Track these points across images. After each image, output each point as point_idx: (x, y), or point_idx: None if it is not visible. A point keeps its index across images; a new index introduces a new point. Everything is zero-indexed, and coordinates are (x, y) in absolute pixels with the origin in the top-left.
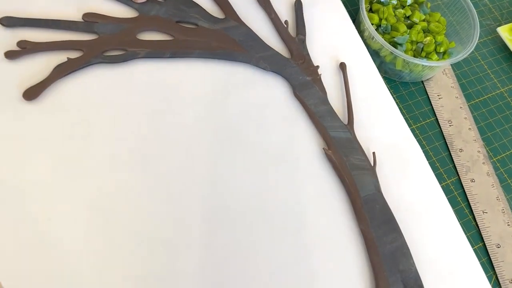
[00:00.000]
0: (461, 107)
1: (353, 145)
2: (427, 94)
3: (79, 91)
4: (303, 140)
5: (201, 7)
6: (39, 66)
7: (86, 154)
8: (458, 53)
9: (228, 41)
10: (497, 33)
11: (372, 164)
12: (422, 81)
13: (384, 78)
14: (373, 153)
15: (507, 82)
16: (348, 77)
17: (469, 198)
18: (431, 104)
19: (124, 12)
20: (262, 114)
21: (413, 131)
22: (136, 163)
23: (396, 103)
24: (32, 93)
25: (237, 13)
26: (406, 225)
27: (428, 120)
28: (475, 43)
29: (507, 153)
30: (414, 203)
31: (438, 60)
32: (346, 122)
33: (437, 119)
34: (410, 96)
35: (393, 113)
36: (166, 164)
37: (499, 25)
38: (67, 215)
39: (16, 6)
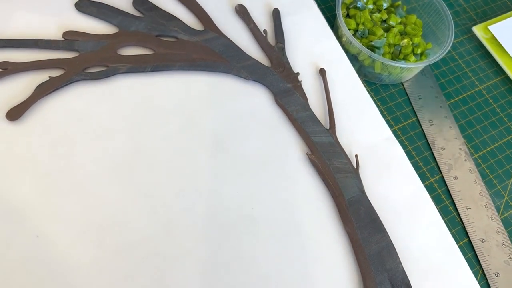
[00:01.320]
0: (441, 106)
1: (336, 149)
2: (407, 95)
3: (62, 109)
4: (287, 146)
5: (180, 20)
6: (21, 85)
7: (71, 171)
8: (435, 54)
9: (208, 52)
10: (473, 32)
11: (355, 166)
12: (401, 83)
13: (364, 81)
14: (356, 155)
15: (485, 79)
16: (328, 82)
17: (452, 195)
18: (412, 105)
19: (104, 28)
20: (246, 122)
21: (395, 132)
22: (121, 177)
23: (377, 105)
24: (15, 113)
25: (216, 24)
26: (391, 225)
27: (409, 121)
28: (451, 43)
29: (488, 149)
30: (398, 202)
31: (415, 61)
32: (328, 126)
33: (418, 119)
34: (391, 98)
35: (374, 116)
36: (152, 177)
37: (475, 24)
38: (54, 232)
39: None
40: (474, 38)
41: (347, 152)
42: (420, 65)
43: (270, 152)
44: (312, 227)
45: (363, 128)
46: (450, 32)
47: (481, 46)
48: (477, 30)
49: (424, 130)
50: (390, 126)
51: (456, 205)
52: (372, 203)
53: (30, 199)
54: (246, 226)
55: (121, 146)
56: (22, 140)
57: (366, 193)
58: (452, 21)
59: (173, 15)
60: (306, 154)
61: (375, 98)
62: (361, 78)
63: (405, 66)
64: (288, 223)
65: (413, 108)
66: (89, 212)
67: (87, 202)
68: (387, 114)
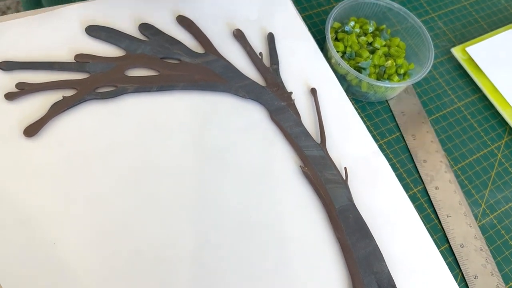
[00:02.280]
0: (423, 122)
1: (326, 162)
2: (392, 112)
3: (74, 125)
4: (281, 159)
5: (182, 44)
6: (36, 105)
7: (84, 183)
8: (417, 74)
9: (209, 74)
10: (452, 53)
11: (344, 178)
12: (386, 100)
13: (352, 99)
14: (345, 168)
15: (463, 97)
16: (319, 101)
17: (434, 204)
18: (396, 121)
19: (112, 51)
20: (243, 137)
21: (380, 146)
22: (129, 189)
23: (364, 121)
24: (31, 130)
25: (216, 47)
26: (378, 231)
27: (393, 136)
28: (431, 64)
29: (466, 161)
30: (383, 211)
31: (399, 81)
32: (319, 141)
33: (401, 134)
34: (377, 114)
35: (361, 131)
36: (157, 189)
37: (453, 46)
38: (69, 240)
39: (13, 51)
40: (453, 58)
41: (336, 165)
42: (403, 85)
43: (267, 164)
44: (305, 233)
45: (352, 143)
46: (430, 54)
47: (459, 66)
48: (456, 51)
49: (408, 144)
50: (376, 141)
51: (438, 213)
52: (360, 212)
53: (47, 208)
54: (245, 232)
55: (128, 160)
56: (38, 155)
57: (355, 202)
58: (432, 44)
59: (176, 39)
60: (300, 166)
61: (362, 115)
62: (349, 96)
63: (389, 85)
64: (283, 230)
65: (397, 124)
66: (100, 221)
67: (99, 212)
68: (373, 129)
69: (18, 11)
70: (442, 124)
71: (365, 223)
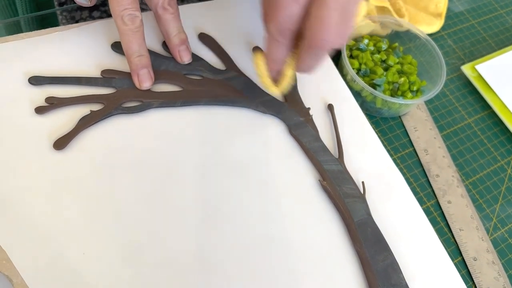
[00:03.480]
0: (435, 138)
1: (344, 176)
2: (405, 127)
3: (101, 139)
4: (301, 173)
5: (205, 60)
6: (65, 118)
7: (111, 195)
8: (429, 90)
9: (230, 89)
10: (461, 71)
11: (362, 192)
12: (399, 116)
13: (366, 114)
14: (362, 182)
15: (473, 113)
16: (336, 116)
17: (447, 218)
18: (409, 136)
19: None
20: (263, 152)
21: (394, 160)
22: (155, 201)
23: (378, 136)
24: (61, 143)
25: (237, 64)
26: (394, 244)
27: (407, 151)
28: (443, 82)
29: (477, 176)
30: (400, 224)
31: (412, 98)
32: (337, 156)
33: (414, 149)
34: (390, 129)
35: (376, 146)
36: (181, 200)
37: (463, 63)
38: (98, 250)
39: (42, 67)
40: (463, 76)
41: (354, 179)
42: (416, 102)
43: (286, 178)
44: (324, 246)
45: (368, 158)
46: (442, 72)
47: (469, 83)
48: (465, 69)
49: (420, 159)
50: (390, 155)
51: (450, 227)
52: (377, 225)
53: (76, 220)
54: (265, 244)
55: (153, 173)
56: (67, 168)
57: (372, 215)
58: (444, 62)
59: (198, 56)
60: (319, 180)
61: (376, 130)
62: (363, 112)
63: (403, 102)
64: (303, 243)
65: (410, 139)
66: (127, 232)
67: (126, 223)
68: (387, 144)
69: None
70: (453, 139)
71: (383, 236)
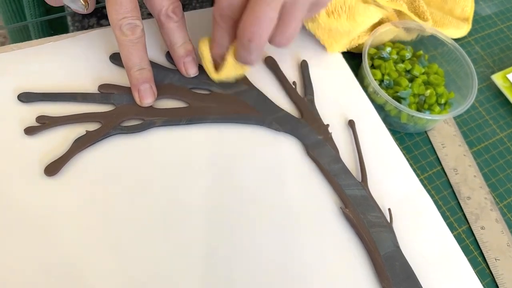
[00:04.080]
0: (464, 155)
1: (369, 202)
2: (431, 144)
3: (98, 162)
4: (320, 199)
5: None
6: (58, 139)
7: (108, 225)
8: (457, 103)
9: (240, 105)
10: (491, 80)
11: (389, 220)
12: (425, 131)
13: (390, 129)
14: (389, 209)
15: (505, 127)
16: (357, 134)
17: (481, 246)
18: (436, 153)
19: None
20: (277, 174)
21: (421, 181)
22: (157, 232)
23: (403, 154)
24: (53, 169)
25: (247, 76)
26: (425, 279)
27: (434, 170)
28: (474, 95)
29: None
30: (430, 255)
31: (440, 111)
32: (359, 179)
33: (443, 168)
34: (416, 146)
35: (403, 167)
36: (186, 232)
37: (492, 72)
38: (94, 276)
39: (33, 81)
40: (493, 85)
41: (379, 205)
42: (445, 117)
43: (303, 204)
44: (347, 281)
45: (394, 180)
46: (473, 83)
47: (500, 93)
48: (496, 78)
49: (450, 179)
50: (417, 175)
51: (485, 256)
52: (406, 257)
53: (70, 252)
54: (281, 280)
55: (156, 200)
56: (60, 195)
57: (400, 246)
58: (474, 72)
59: None
60: (340, 208)
61: (400, 147)
62: (386, 126)
63: (431, 118)
64: (323, 279)
65: (437, 157)
66: (128, 268)
67: (125, 259)
68: (413, 163)
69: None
70: (484, 156)
71: (413, 271)
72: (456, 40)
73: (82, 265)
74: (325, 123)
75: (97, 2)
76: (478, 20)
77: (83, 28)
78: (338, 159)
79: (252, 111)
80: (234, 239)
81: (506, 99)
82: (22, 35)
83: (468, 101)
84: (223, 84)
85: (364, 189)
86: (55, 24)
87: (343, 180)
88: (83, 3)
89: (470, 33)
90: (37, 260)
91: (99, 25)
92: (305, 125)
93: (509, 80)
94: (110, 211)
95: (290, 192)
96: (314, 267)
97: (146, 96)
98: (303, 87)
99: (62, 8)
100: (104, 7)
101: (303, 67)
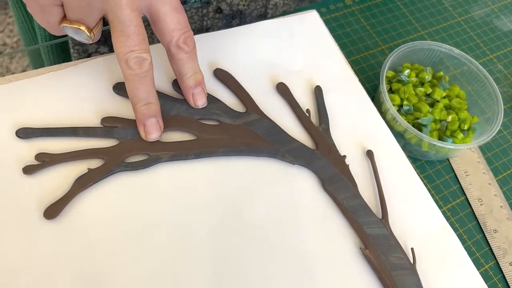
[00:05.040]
0: (489, 183)
1: (391, 242)
2: (454, 172)
3: (100, 202)
4: (337, 238)
5: (221, 101)
6: (59, 178)
7: (112, 272)
8: (481, 127)
9: (251, 136)
10: None
11: (412, 261)
12: (447, 158)
13: (409, 157)
14: (412, 249)
15: None
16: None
17: (509, 284)
18: (459, 182)
19: None
20: (291, 212)
21: (444, 213)
22: (164, 279)
23: (424, 183)
24: (53, 212)
25: (258, 104)
26: None
27: (458, 200)
28: (501, 122)
29: None
30: None
31: (463, 138)
32: (379, 215)
33: (467, 198)
34: (437, 175)
35: (425, 201)
36: (194, 276)
37: None
38: None
39: (32, 115)
40: None
41: (401, 243)
42: (470, 146)
43: (320, 245)
44: None
45: (416, 215)
46: (499, 108)
47: None
48: None
49: (474, 211)
50: (439, 207)
51: None
52: None
53: None
54: None
55: (162, 242)
56: (60, 240)
57: None
58: (500, 98)
59: (214, 97)
60: (360, 248)
61: (421, 176)
62: (406, 154)
63: (454, 147)
64: None
65: (460, 186)
66: None
67: None
68: (435, 193)
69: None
70: (511, 184)
71: None
72: (477, 57)
73: None
74: (342, 153)
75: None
76: (499, 36)
77: (85, 53)
78: (357, 194)
79: (263, 142)
80: (245, 283)
81: None
82: (37, 57)
83: (493, 128)
84: (233, 114)
85: (385, 227)
86: (65, 46)
87: (362, 217)
88: (88, 34)
89: (491, 50)
90: None
91: (98, 53)
92: (320, 156)
93: None
94: (114, 256)
95: (306, 231)
96: None
97: (152, 131)
98: (317, 114)
99: None
100: (109, 31)
101: (317, 93)
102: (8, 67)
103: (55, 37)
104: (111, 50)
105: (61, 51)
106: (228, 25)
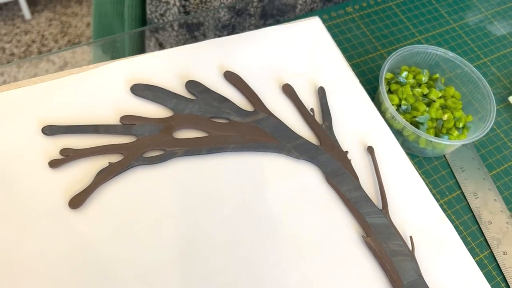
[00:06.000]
0: (484, 178)
1: (390, 231)
2: (450, 168)
3: (120, 194)
4: (340, 227)
5: (231, 101)
6: (81, 172)
7: (132, 259)
8: (476, 125)
9: (259, 133)
10: (509, 101)
11: (410, 248)
12: (444, 155)
13: (408, 154)
14: (410, 237)
15: None
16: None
17: (503, 272)
18: (455, 177)
19: (159, 111)
20: (298, 202)
21: (441, 206)
22: (180, 264)
23: (422, 178)
24: (77, 202)
25: (265, 104)
26: None
27: (454, 194)
28: (493, 120)
29: None
30: (453, 283)
31: (458, 135)
32: (380, 206)
33: (462, 192)
34: (434, 170)
35: (423, 194)
36: (210, 261)
37: (510, 93)
38: None
39: (56, 114)
40: (510, 107)
41: (400, 232)
42: (464, 142)
43: (324, 233)
44: None
45: (414, 208)
46: (491, 107)
47: None
48: None
49: (470, 204)
50: (437, 200)
51: (508, 283)
52: (429, 286)
53: (96, 281)
54: None
55: (178, 231)
56: (83, 228)
57: (422, 275)
58: (493, 97)
59: (224, 97)
60: (362, 236)
61: (419, 171)
62: (404, 151)
63: (449, 143)
64: None
65: (456, 181)
66: None
67: (148, 285)
68: (433, 187)
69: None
70: (504, 179)
71: None
72: (472, 61)
73: None
74: (344, 149)
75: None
76: (493, 40)
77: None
78: (358, 187)
79: (270, 139)
80: (254, 270)
81: None
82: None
83: (486, 125)
84: (242, 113)
85: (385, 217)
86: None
87: (364, 208)
88: None
89: (485, 54)
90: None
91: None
92: (324, 152)
93: None
94: (133, 243)
95: (311, 221)
96: None
97: None
98: (321, 113)
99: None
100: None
101: (321, 94)
102: (16, 76)
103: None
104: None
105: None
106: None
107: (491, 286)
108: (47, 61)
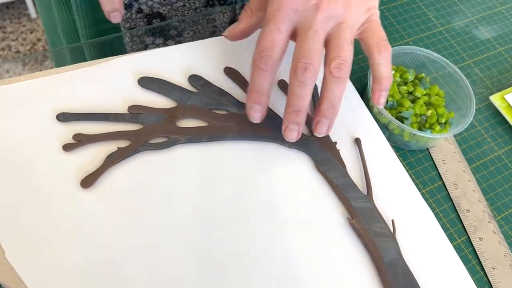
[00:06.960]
0: (464, 171)
1: (374, 214)
2: (433, 160)
3: (128, 176)
4: (328, 211)
5: (230, 95)
6: (92, 155)
7: (138, 234)
8: (457, 122)
9: (256, 124)
10: (490, 100)
11: (392, 230)
12: (427, 148)
13: (393, 147)
14: (392, 220)
15: (503, 145)
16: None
17: (479, 256)
18: (437, 169)
19: (164, 102)
20: (289, 188)
21: (423, 195)
22: (182, 240)
23: (406, 169)
24: (88, 181)
25: None
26: (425, 285)
27: (435, 184)
28: (472, 115)
29: (510, 211)
30: (431, 264)
31: (441, 130)
32: (365, 192)
33: (443, 182)
34: (418, 162)
35: (405, 182)
36: (207, 239)
37: (491, 93)
38: (126, 275)
39: (70, 102)
40: (491, 105)
41: (383, 216)
42: (445, 135)
43: (313, 215)
44: (353, 287)
45: (397, 194)
46: (471, 104)
47: (498, 113)
48: (494, 99)
49: (450, 193)
50: (419, 189)
51: (483, 265)
52: (408, 265)
53: (105, 255)
54: (292, 283)
55: (179, 212)
56: (94, 206)
57: (402, 255)
58: (473, 94)
59: (224, 90)
60: (347, 218)
61: (403, 163)
62: (390, 144)
63: (431, 136)
64: (331, 282)
65: (438, 172)
66: (155, 269)
67: (155, 264)
68: (415, 178)
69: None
70: (483, 172)
71: (414, 278)
72: (456, 62)
73: (115, 266)
74: (333, 140)
75: None
76: (477, 44)
77: (142, 43)
78: (345, 174)
79: (265, 129)
80: (249, 249)
81: (503, 119)
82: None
83: (466, 121)
84: (240, 105)
85: (370, 202)
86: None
87: (350, 193)
88: None
89: (469, 56)
90: (77, 261)
91: (155, 44)
92: (314, 142)
93: (506, 101)
94: (139, 219)
95: (301, 204)
96: (323, 274)
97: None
98: (312, 107)
99: (114, 30)
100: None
101: (314, 91)
102: (21, 74)
103: (97, 37)
104: (165, 42)
105: (101, 49)
106: None
107: (467, 268)
108: (51, 59)
